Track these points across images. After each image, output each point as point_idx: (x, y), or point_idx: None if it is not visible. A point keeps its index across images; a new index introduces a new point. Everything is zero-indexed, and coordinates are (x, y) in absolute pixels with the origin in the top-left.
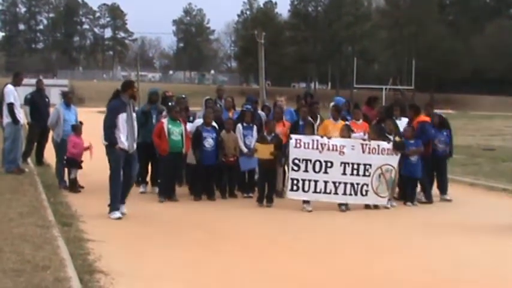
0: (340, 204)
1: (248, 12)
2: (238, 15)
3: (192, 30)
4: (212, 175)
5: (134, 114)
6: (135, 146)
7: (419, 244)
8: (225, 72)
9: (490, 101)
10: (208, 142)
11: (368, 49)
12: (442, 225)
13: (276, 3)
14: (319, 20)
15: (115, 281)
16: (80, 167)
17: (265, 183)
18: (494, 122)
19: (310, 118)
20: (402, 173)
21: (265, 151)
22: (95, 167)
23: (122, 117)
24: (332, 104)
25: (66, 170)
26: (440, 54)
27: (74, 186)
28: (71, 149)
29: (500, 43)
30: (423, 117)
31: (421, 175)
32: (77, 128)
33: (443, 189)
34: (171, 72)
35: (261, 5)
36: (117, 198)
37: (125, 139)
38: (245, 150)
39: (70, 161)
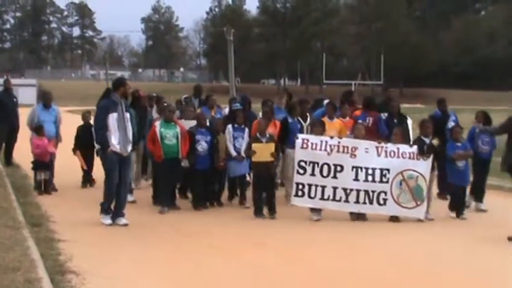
0: (351, 213)
1: (217, 9)
2: (207, 13)
3: (160, 28)
4: (206, 181)
5: (128, 115)
6: (129, 148)
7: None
8: (194, 69)
9: (458, 94)
10: (201, 145)
11: (337, 45)
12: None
13: (244, 0)
14: (288, 17)
15: (86, 281)
16: (49, 168)
17: (262, 192)
18: (463, 116)
19: (300, 118)
20: (449, 181)
21: (264, 152)
22: (65, 166)
23: (113, 117)
24: (327, 101)
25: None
26: (409, 49)
27: (45, 188)
28: (35, 150)
29: (467, 38)
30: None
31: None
32: (38, 129)
33: (479, 197)
34: (140, 70)
35: (230, 2)
36: (109, 200)
37: (116, 142)
38: (234, 154)
39: (37, 163)
